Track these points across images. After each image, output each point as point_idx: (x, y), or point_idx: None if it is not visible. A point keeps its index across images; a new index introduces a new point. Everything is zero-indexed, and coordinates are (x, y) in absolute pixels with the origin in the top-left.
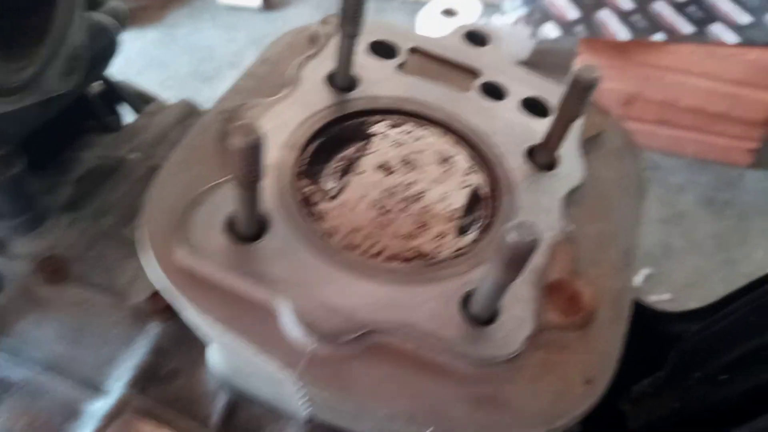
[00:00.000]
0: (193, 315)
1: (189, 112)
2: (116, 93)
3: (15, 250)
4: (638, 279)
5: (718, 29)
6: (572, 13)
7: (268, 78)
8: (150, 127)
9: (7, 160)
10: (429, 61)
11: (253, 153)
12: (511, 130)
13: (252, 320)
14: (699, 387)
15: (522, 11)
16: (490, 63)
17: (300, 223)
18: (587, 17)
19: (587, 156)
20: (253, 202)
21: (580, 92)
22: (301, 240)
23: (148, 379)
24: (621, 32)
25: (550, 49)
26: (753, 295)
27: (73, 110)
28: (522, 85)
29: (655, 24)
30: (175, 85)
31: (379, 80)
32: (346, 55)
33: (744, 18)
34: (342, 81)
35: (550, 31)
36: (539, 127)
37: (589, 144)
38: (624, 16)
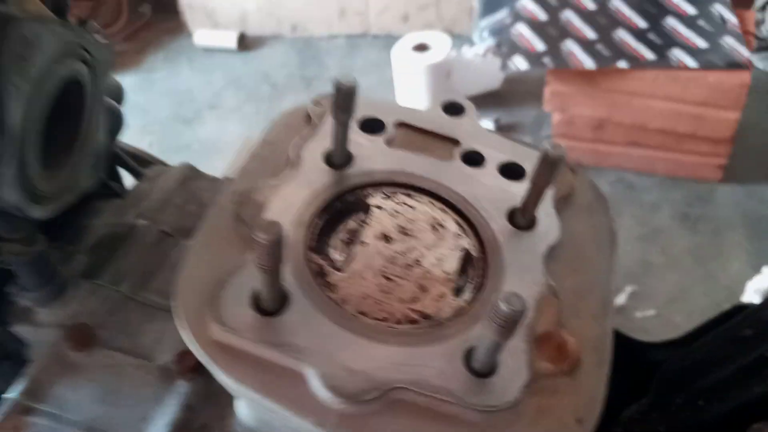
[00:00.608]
0: (230, 384)
1: (189, 175)
2: (118, 159)
3: (41, 319)
4: (622, 297)
5: (678, 54)
6: (539, 45)
7: (271, 159)
8: (153, 191)
9: (30, 239)
10: (414, 133)
11: (276, 246)
12: (492, 194)
13: (284, 385)
14: (681, 412)
15: (490, 41)
16: (467, 131)
17: (316, 294)
18: (553, 48)
19: (562, 213)
20: (276, 283)
21: (549, 166)
22: (319, 310)
23: None
24: (587, 61)
25: (519, 79)
26: (724, 327)
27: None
28: (498, 150)
29: (618, 52)
30: (156, 129)
31: (370, 156)
32: (340, 138)
33: (701, 42)
34: (338, 159)
35: (519, 63)
36: (517, 190)
37: (563, 202)
38: (588, 45)
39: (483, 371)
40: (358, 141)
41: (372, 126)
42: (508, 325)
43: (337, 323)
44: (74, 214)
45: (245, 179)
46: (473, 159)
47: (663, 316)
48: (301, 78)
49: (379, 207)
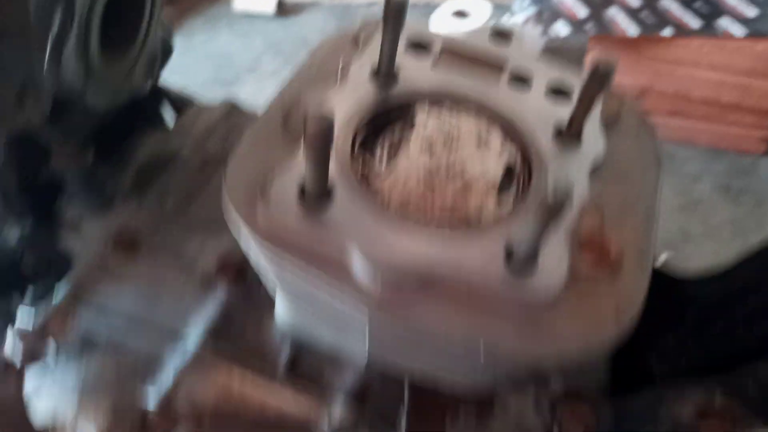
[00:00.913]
0: (275, 270)
1: (231, 111)
2: (162, 93)
3: (87, 231)
4: (658, 263)
5: (725, 23)
6: (582, 11)
7: (318, 75)
8: (196, 125)
9: (81, 149)
10: (459, 58)
11: (326, 134)
12: (539, 113)
13: (328, 270)
14: (718, 341)
15: (531, 11)
16: (515, 56)
17: (360, 193)
18: (597, 15)
19: (608, 134)
20: (323, 176)
21: (599, 80)
22: (362, 207)
23: (219, 336)
24: (630, 28)
25: (561, 47)
26: (754, 253)
27: (127, 108)
28: (546, 73)
29: (664, 19)
30: (197, 91)
31: (416, 75)
32: (388, 53)
33: (751, 11)
34: (385, 75)
35: (561, 29)
36: (563, 110)
37: (609, 124)
38: (633, 12)
39: (523, 270)
40: (404, 62)
41: (418, 49)
42: (551, 214)
43: (379, 219)
44: (122, 138)
45: (292, 90)
46: (520, 81)
47: None
48: None
49: (423, 121)
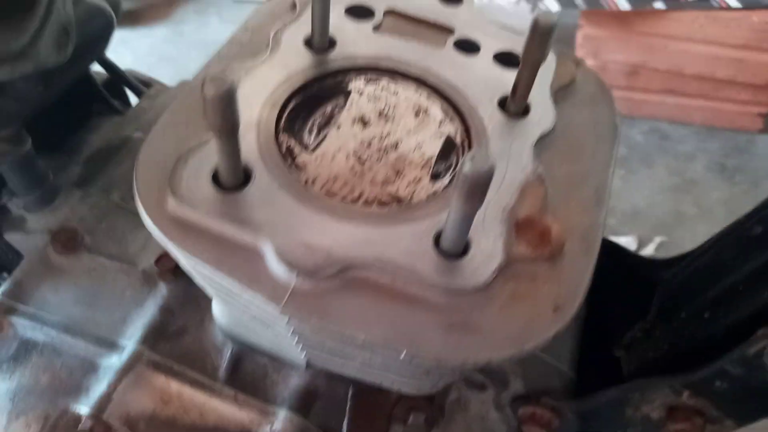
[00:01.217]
0: (185, 260)
1: None
2: (121, 78)
3: (31, 226)
4: (651, 248)
5: None
6: None
7: (251, 44)
8: (153, 108)
9: (16, 139)
10: (404, 21)
11: (226, 101)
12: (484, 81)
13: (239, 261)
14: (685, 327)
15: None
16: (464, 20)
17: (281, 172)
18: None
19: (560, 104)
20: (233, 152)
21: (540, 37)
22: (283, 188)
23: (158, 336)
24: (622, 2)
25: None
26: (730, 227)
27: (80, 95)
28: (495, 39)
29: None
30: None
31: (355, 41)
32: (320, 18)
33: None
34: (319, 43)
35: (550, 4)
36: (512, 79)
37: (562, 93)
38: None
39: (453, 252)
40: (343, 26)
41: (359, 12)
42: (474, 189)
43: (299, 201)
44: (72, 128)
45: (220, 63)
46: (467, 47)
47: None
48: None
49: (359, 91)
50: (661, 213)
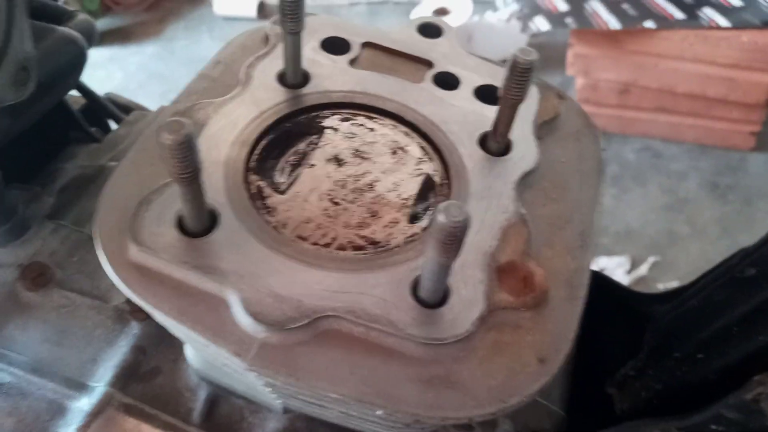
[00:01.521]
0: (148, 310)
1: None
2: (98, 105)
3: (2, 260)
4: (644, 267)
5: (709, 12)
6: (561, 5)
7: (221, 78)
8: (131, 134)
9: None
10: (382, 54)
11: (184, 148)
12: (464, 118)
13: (203, 311)
14: (678, 367)
15: (514, 7)
16: (443, 54)
17: (250, 216)
18: (577, 8)
19: (544, 139)
20: (196, 198)
21: (519, 75)
22: (251, 232)
23: (130, 377)
24: (612, 21)
25: (543, 44)
26: (717, 273)
27: (55, 123)
28: (475, 73)
29: (645, 11)
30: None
31: (330, 75)
32: (292, 52)
33: (735, 0)
34: (292, 78)
35: (541, 24)
36: (493, 115)
37: (546, 128)
38: (613, 5)
39: (431, 301)
40: (318, 60)
41: (335, 46)
42: (449, 240)
43: (269, 247)
44: (46, 157)
45: (189, 98)
46: (447, 81)
47: None
48: None
49: (333, 128)
50: (654, 232)
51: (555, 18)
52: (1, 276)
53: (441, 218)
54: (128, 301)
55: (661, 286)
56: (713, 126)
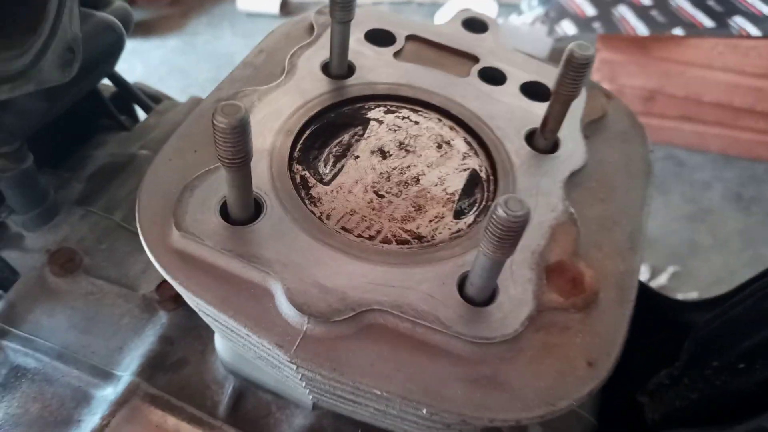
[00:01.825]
0: (188, 298)
1: None
2: (129, 93)
3: (29, 244)
4: (664, 277)
5: (739, 21)
6: (589, 9)
7: (265, 67)
8: (161, 124)
9: (17, 155)
10: (426, 47)
11: (238, 132)
12: (511, 113)
13: (246, 301)
14: (717, 376)
15: (539, 10)
16: (488, 49)
17: (294, 206)
18: (605, 13)
19: (591, 139)
20: (244, 185)
21: (576, 70)
22: (296, 222)
23: (156, 368)
24: (639, 27)
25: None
26: (764, 282)
27: (87, 110)
28: (522, 69)
29: (674, 18)
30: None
31: (375, 67)
32: (339, 42)
33: (766, 9)
34: (337, 68)
35: (568, 28)
36: (539, 111)
37: (593, 127)
38: (642, 11)
39: (479, 299)
40: (363, 52)
41: (380, 38)
42: (507, 235)
43: (314, 237)
44: (76, 143)
45: (232, 85)
46: (492, 76)
47: None
48: None
49: (378, 120)
50: (676, 242)
51: (582, 22)
52: (30, 261)
53: (500, 212)
54: (157, 291)
55: (681, 296)
56: (739, 136)
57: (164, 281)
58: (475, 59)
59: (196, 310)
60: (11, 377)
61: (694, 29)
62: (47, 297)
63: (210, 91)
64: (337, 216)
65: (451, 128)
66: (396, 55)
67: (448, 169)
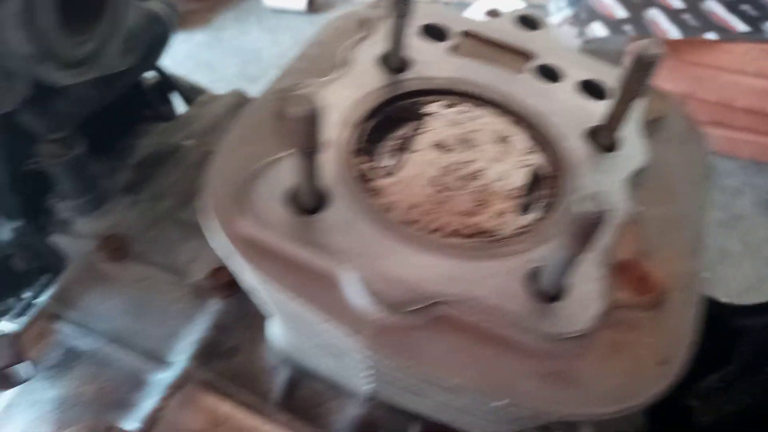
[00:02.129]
0: (258, 284)
1: (240, 102)
2: (169, 84)
3: (78, 230)
4: None
5: None
6: (620, 12)
7: (321, 60)
8: (202, 116)
9: (69, 141)
10: (481, 44)
11: (311, 122)
12: (569, 111)
13: (316, 289)
14: None
15: (568, 12)
16: (543, 46)
17: (359, 197)
18: (636, 16)
19: (649, 139)
20: (312, 173)
21: (643, 69)
22: (361, 213)
23: (210, 355)
24: (671, 31)
25: (598, 50)
26: None
27: (129, 100)
28: (578, 67)
29: (707, 22)
30: (222, 86)
31: (431, 62)
32: (397, 36)
33: None
34: (394, 62)
35: (598, 30)
36: (597, 109)
37: (651, 127)
38: (674, 14)
39: (549, 294)
40: (418, 46)
41: (435, 33)
42: (585, 231)
43: (380, 228)
44: (121, 132)
45: (290, 77)
46: (548, 73)
47: None
48: None
49: (436, 115)
50: (706, 249)
51: (613, 24)
52: (80, 246)
53: (582, 208)
54: (210, 278)
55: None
56: None
57: (218, 268)
58: (530, 56)
59: (259, 297)
60: (66, 359)
61: (726, 33)
62: (98, 282)
63: (269, 81)
64: (400, 208)
65: (510, 124)
66: (451, 50)
67: (508, 164)
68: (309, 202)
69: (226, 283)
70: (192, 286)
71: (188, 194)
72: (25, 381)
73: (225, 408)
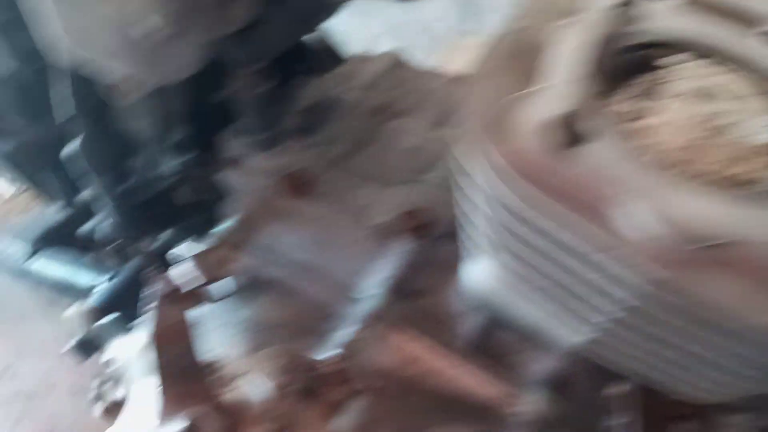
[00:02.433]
0: (508, 215)
1: (396, 63)
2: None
3: (253, 165)
4: None
5: None
6: None
7: (557, 3)
8: (359, 73)
9: (268, 73)
10: (708, 7)
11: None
12: None
13: (587, 219)
14: None
15: None
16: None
17: (619, 135)
18: None
19: None
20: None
21: None
22: (625, 151)
23: (400, 294)
24: None
25: None
26: None
27: (297, 49)
28: None
29: None
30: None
31: (666, 15)
32: None
33: None
34: (628, 12)
35: None
36: None
37: None
38: None
39: None
40: (651, 4)
41: None
42: None
43: (644, 166)
44: (288, 79)
45: (527, 19)
46: None
47: None
48: (459, 33)
49: (683, 65)
50: None
51: None
52: (253, 182)
53: None
54: (399, 220)
55: None
56: None
57: (410, 211)
58: (757, 22)
59: (485, 232)
60: (252, 286)
61: None
62: (278, 217)
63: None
64: (652, 152)
65: (751, 83)
66: (680, 8)
67: (757, 121)
68: (565, 137)
69: (417, 225)
70: (374, 228)
71: (358, 144)
72: (218, 300)
73: (415, 348)
